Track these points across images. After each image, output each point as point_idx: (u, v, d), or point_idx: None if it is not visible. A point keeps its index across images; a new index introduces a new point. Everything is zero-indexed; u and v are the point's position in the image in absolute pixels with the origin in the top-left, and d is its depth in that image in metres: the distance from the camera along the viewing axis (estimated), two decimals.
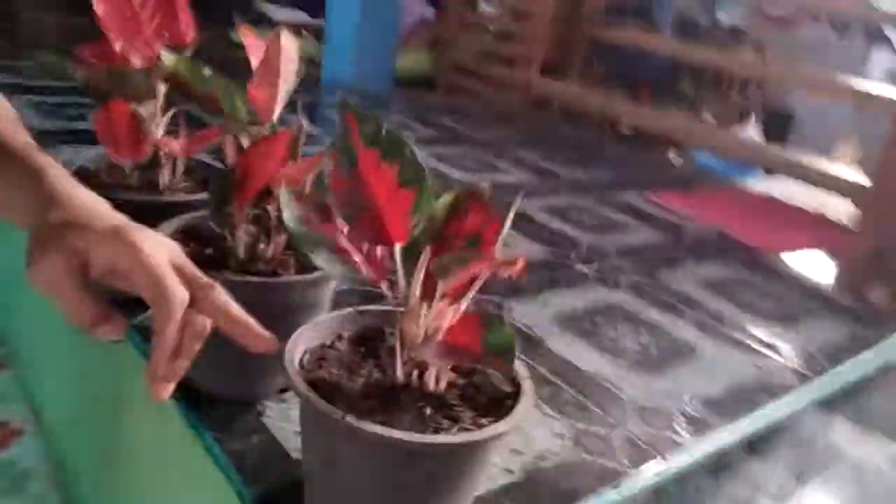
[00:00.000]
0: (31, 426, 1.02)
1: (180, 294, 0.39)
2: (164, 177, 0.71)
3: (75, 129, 1.27)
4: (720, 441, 0.68)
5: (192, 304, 0.40)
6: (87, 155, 0.74)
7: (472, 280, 0.41)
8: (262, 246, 0.59)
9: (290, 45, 0.51)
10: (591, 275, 1.04)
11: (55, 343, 0.93)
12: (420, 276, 0.40)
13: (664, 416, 0.69)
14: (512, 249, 1.11)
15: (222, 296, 0.41)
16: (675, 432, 0.67)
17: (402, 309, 0.43)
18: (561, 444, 0.62)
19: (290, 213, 0.40)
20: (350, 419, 0.39)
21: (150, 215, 0.62)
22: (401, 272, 0.41)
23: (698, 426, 0.68)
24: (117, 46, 0.65)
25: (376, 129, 0.37)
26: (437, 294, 0.39)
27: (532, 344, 0.79)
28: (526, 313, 0.87)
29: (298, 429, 0.58)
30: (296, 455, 0.54)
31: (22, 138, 0.48)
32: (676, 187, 1.76)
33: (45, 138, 1.21)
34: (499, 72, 2.35)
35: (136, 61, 0.66)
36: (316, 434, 0.43)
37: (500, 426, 0.41)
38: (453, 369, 0.48)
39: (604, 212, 1.42)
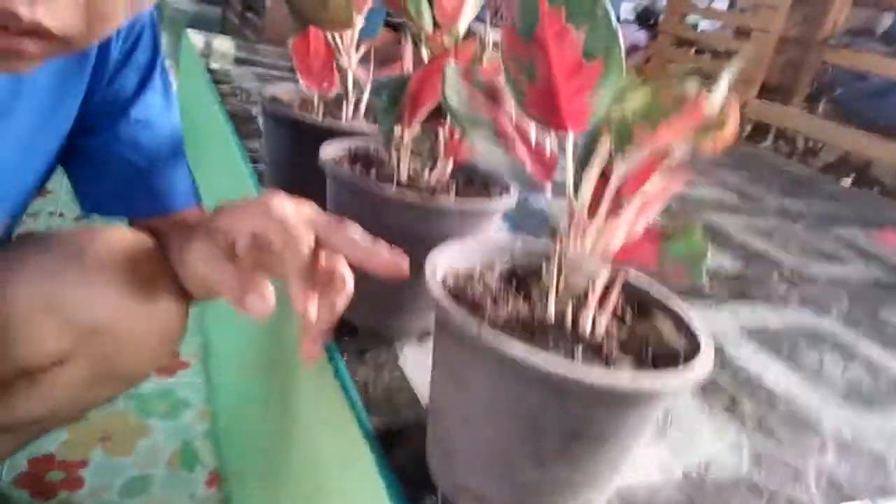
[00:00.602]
0: (197, 361, 1.08)
1: (305, 233, 0.41)
2: (348, 111, 0.71)
3: None
4: None
5: (323, 244, 0.42)
6: (284, 87, 0.76)
7: (657, 191, 0.33)
8: (426, 172, 0.55)
9: None
10: (793, 297, 0.89)
11: None
12: (594, 173, 0.33)
13: (877, 459, 0.55)
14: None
15: (351, 228, 0.42)
16: (893, 480, 0.52)
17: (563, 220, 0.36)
18: (736, 459, 0.51)
19: (453, 89, 0.35)
20: (487, 332, 0.33)
21: (322, 141, 0.61)
22: (570, 168, 0.34)
23: None
24: None
25: None
26: (609, 197, 0.32)
27: None
28: (705, 317, 0.75)
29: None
30: (426, 402, 0.49)
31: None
32: None
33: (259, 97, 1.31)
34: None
35: None
36: (446, 351, 0.37)
37: (672, 378, 0.32)
38: (615, 318, 0.40)
39: (816, 241, 1.23)
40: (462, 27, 0.50)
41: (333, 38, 0.68)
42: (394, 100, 0.51)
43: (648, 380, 0.31)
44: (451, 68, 0.36)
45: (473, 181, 0.59)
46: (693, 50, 2.38)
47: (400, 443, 0.44)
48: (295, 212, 0.41)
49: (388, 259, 0.39)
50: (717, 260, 0.98)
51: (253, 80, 1.44)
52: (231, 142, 0.99)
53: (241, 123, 1.09)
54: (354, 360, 0.52)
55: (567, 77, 0.32)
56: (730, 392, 0.60)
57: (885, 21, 2.20)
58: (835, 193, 1.77)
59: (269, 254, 0.43)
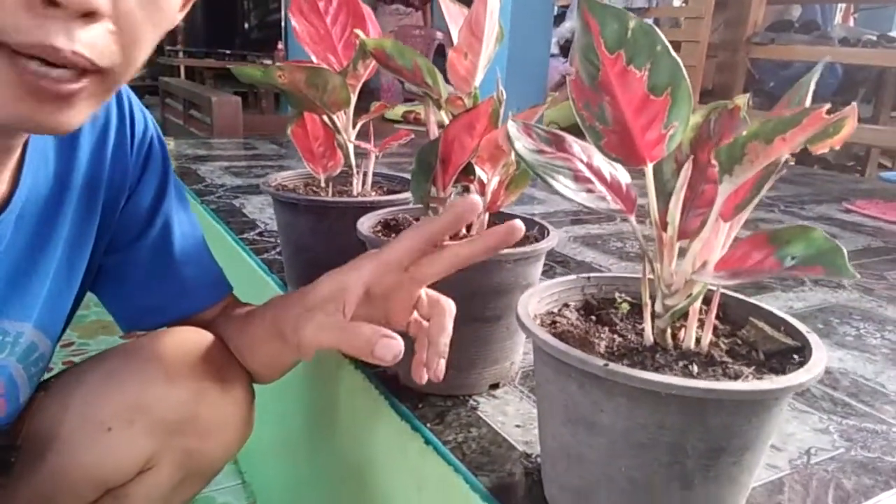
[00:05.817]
0: (228, 463, 1.04)
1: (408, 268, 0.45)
2: (357, 185, 0.72)
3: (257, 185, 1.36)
4: None
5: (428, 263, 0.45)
6: (285, 174, 0.77)
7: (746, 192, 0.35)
8: (463, 230, 0.56)
9: (495, 5, 0.48)
10: (806, 279, 0.92)
11: None
12: (681, 196, 0.35)
13: None
14: None
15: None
16: None
17: (650, 252, 0.37)
18: (830, 440, 0.52)
19: (522, 144, 0.37)
20: (616, 366, 0.33)
21: (349, 217, 0.62)
22: (653, 198, 0.36)
23: None
24: (313, 59, 0.67)
25: (621, 28, 0.33)
26: (710, 217, 0.33)
27: None
28: None
29: (518, 422, 0.53)
30: (522, 447, 0.49)
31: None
32: (875, 198, 1.57)
33: (236, 191, 1.31)
34: None
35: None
36: (564, 396, 0.37)
37: (802, 375, 0.33)
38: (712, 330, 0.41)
39: (799, 223, 1.27)
40: (476, 83, 0.52)
41: (331, 118, 0.69)
42: (425, 165, 0.52)
43: (788, 379, 0.32)
44: (513, 126, 0.37)
45: None
46: None
47: (515, 496, 0.43)
48: (391, 254, 0.44)
49: (502, 230, 0.40)
50: None
51: (224, 174, 1.44)
52: (228, 240, 0.99)
53: (230, 218, 1.08)
54: (438, 425, 0.51)
55: (636, 113, 0.33)
56: None
57: (796, 12, 2.34)
58: (785, 177, 1.84)
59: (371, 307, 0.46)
